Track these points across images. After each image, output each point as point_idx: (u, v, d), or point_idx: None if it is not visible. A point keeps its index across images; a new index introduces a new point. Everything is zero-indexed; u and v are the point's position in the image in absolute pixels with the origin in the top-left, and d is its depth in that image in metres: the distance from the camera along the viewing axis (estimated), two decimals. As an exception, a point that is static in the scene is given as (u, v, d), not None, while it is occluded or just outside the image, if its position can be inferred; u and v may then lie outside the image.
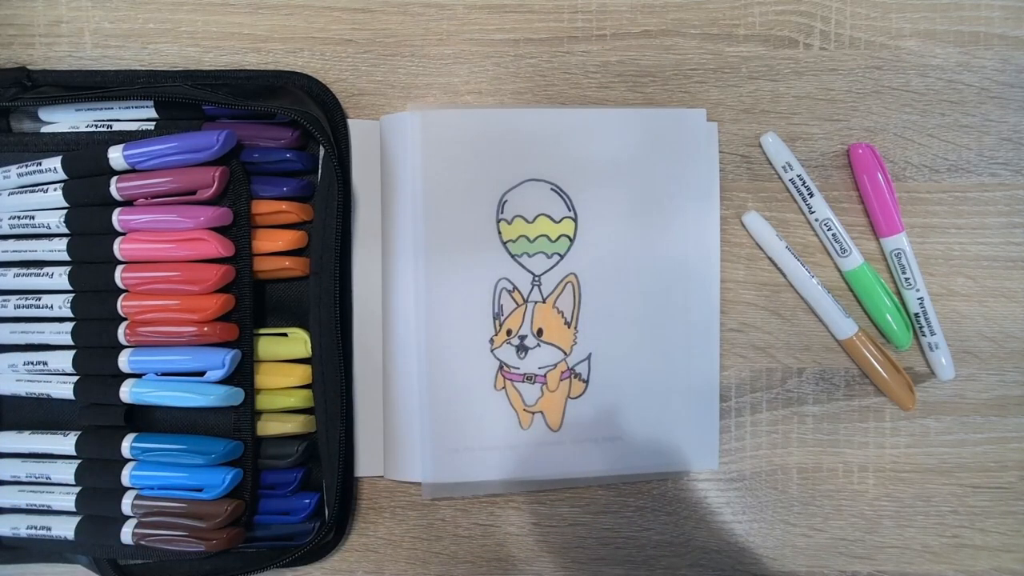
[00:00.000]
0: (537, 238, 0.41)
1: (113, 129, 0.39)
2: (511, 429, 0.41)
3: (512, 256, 0.41)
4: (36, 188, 0.39)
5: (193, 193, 0.37)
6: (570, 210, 0.41)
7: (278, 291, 0.41)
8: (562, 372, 0.41)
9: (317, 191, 0.40)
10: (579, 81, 0.42)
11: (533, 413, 0.41)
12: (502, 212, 0.41)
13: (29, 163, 0.39)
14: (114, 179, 0.37)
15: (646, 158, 0.41)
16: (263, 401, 0.39)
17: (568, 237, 0.41)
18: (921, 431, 0.42)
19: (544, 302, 0.41)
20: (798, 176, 0.41)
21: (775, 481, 0.42)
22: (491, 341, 0.41)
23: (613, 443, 0.41)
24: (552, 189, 0.41)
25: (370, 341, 0.41)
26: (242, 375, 0.38)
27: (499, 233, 0.41)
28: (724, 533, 0.42)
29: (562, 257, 0.41)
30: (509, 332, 0.41)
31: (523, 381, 0.41)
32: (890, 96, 0.42)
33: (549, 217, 0.41)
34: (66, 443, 0.38)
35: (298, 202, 0.40)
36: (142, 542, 0.37)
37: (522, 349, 0.41)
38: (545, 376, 0.41)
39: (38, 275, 0.38)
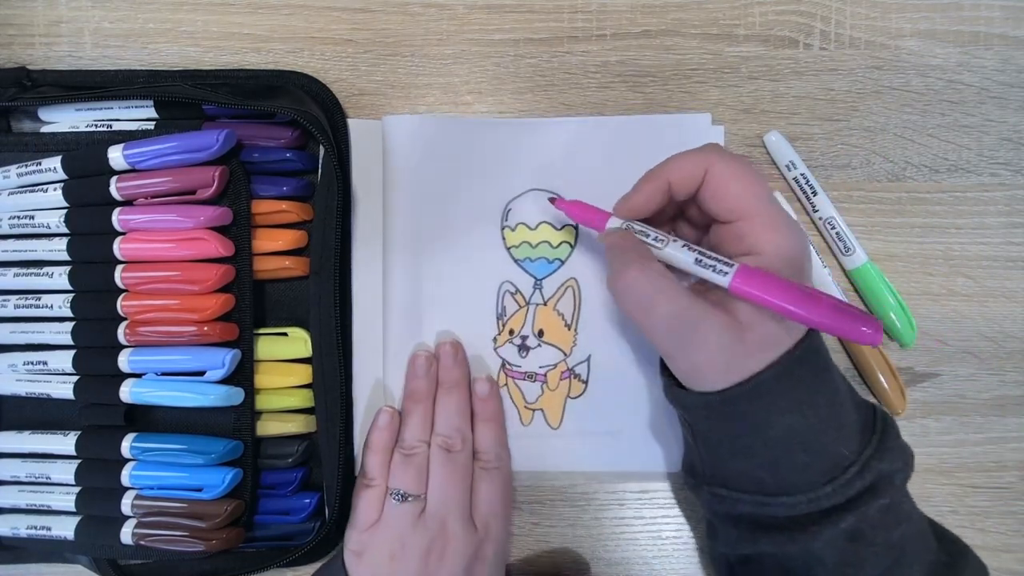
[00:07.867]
0: (539, 244, 0.41)
1: (113, 129, 0.39)
2: (512, 425, 0.41)
3: (515, 260, 0.41)
4: (36, 188, 0.39)
5: (193, 193, 0.37)
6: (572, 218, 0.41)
7: (278, 291, 0.41)
8: (562, 372, 0.41)
9: (317, 191, 0.40)
10: (579, 81, 0.42)
11: (533, 410, 0.41)
12: (506, 219, 0.41)
13: (29, 163, 0.39)
14: (114, 179, 0.37)
15: (651, 165, 0.41)
16: (263, 401, 0.39)
17: (569, 244, 0.41)
18: (921, 431, 0.42)
19: (545, 304, 0.41)
20: (801, 175, 0.41)
21: (775, 481, 0.42)
22: (494, 340, 0.41)
23: (612, 440, 0.41)
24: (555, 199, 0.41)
25: (370, 341, 0.41)
26: (242, 375, 0.38)
27: (503, 239, 0.41)
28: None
29: (563, 262, 0.41)
30: (511, 332, 0.41)
31: (524, 379, 0.41)
32: (890, 96, 0.42)
33: (551, 225, 0.41)
34: (66, 443, 0.38)
35: (298, 202, 0.40)
36: (142, 542, 0.37)
37: (523, 349, 0.41)
38: (545, 375, 0.41)
39: (38, 275, 0.38)
